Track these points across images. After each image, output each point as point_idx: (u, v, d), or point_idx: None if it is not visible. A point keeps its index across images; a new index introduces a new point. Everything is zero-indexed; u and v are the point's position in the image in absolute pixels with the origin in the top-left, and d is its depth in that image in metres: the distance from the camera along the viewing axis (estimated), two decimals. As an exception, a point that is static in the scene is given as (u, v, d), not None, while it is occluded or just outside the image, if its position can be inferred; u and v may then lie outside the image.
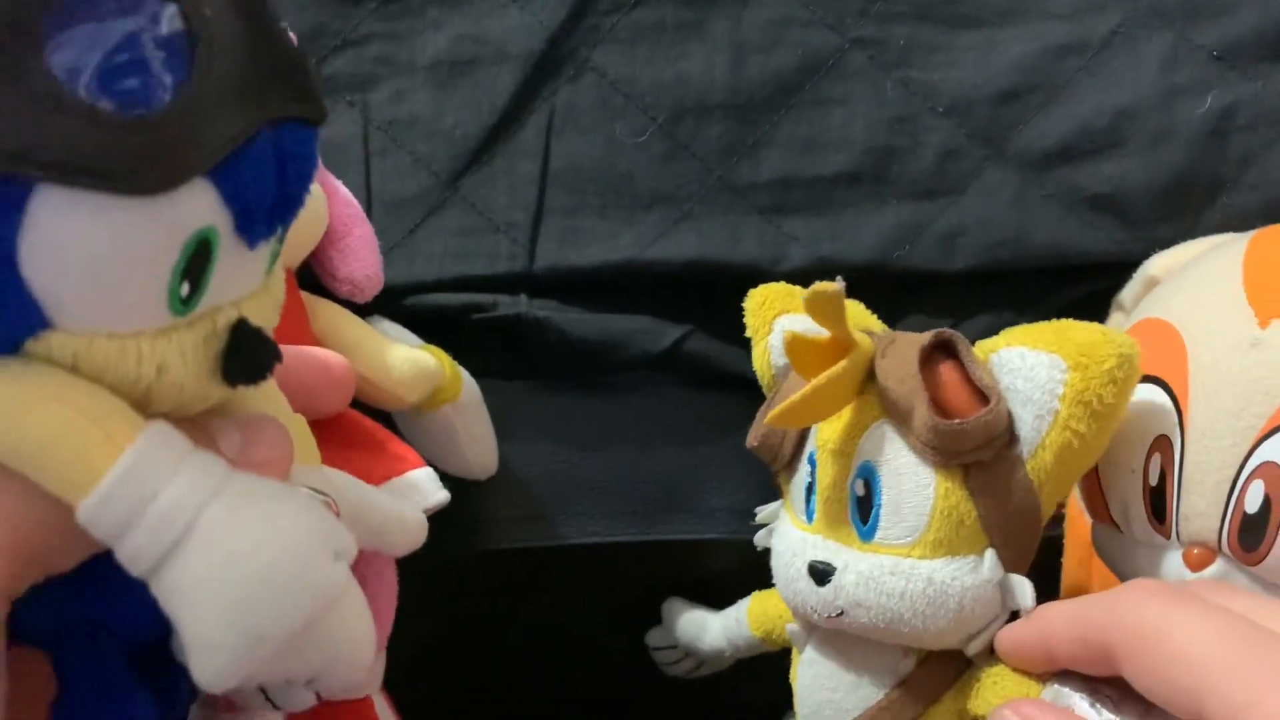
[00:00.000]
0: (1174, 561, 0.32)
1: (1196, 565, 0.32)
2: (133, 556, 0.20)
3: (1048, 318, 0.41)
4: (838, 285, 0.29)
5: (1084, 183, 0.43)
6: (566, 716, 0.51)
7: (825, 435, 0.34)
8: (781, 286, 0.38)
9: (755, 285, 0.42)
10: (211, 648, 0.20)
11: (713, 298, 0.43)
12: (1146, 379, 0.33)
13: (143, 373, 0.20)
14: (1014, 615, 0.32)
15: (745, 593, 0.42)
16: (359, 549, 0.24)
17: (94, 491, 0.19)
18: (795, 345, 0.32)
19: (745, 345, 0.44)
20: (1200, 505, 0.31)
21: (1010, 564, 0.32)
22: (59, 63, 0.17)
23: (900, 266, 0.43)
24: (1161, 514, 0.32)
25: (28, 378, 0.19)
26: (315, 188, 0.36)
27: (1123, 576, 0.34)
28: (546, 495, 0.44)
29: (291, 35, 0.21)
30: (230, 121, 0.19)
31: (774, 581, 0.36)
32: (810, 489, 0.34)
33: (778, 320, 0.37)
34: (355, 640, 0.23)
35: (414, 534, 0.31)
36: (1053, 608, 0.30)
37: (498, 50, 0.43)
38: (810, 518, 0.34)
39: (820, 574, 0.32)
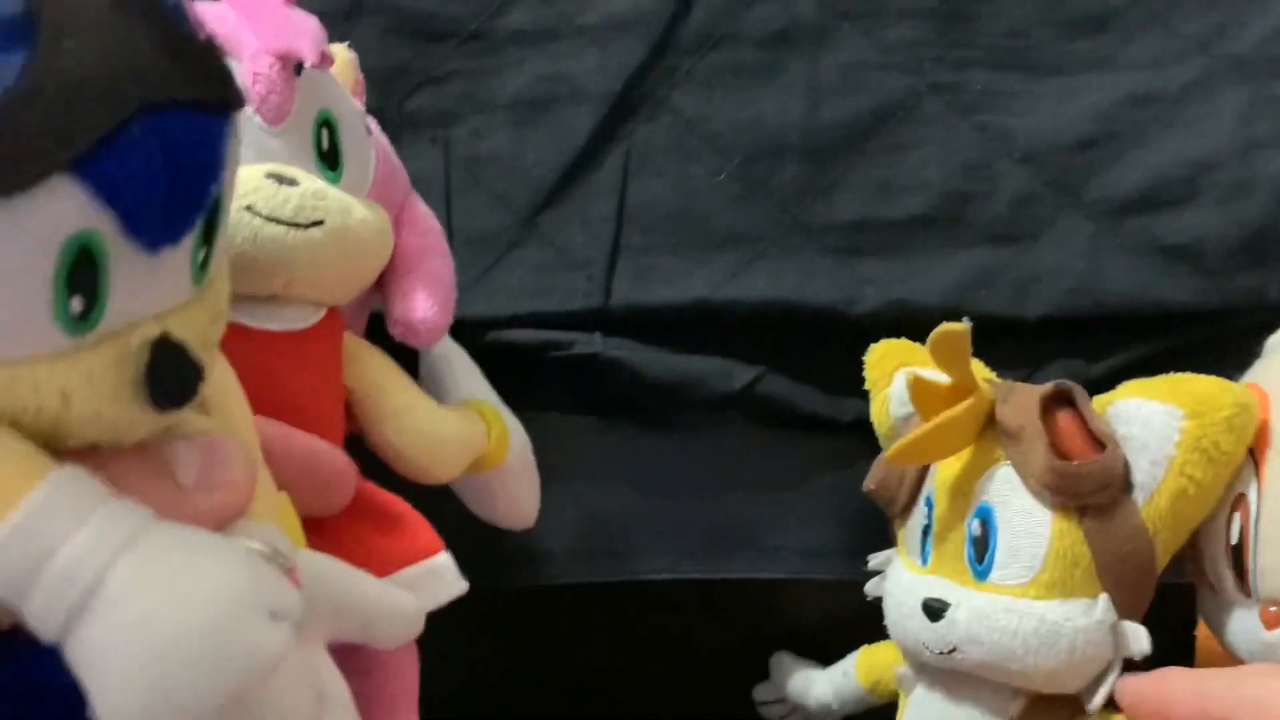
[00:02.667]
0: (1252, 619, 0.32)
1: (1272, 623, 0.32)
2: (38, 618, 0.17)
3: (1121, 368, 0.42)
4: (965, 325, 0.30)
5: (1160, 232, 0.43)
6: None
7: (944, 476, 0.34)
8: (902, 342, 0.39)
9: (829, 327, 0.43)
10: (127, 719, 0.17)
11: (785, 339, 0.44)
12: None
13: (44, 403, 0.18)
14: (1129, 663, 0.32)
15: (819, 640, 0.42)
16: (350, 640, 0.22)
17: None
18: (919, 387, 0.33)
19: (817, 386, 0.44)
20: (1274, 561, 0.31)
21: (1124, 610, 0.32)
22: None
23: (974, 311, 0.43)
24: (1241, 570, 0.32)
25: None
26: (378, 213, 0.34)
27: (1219, 638, 0.34)
28: (613, 532, 0.45)
29: (192, 17, 0.19)
30: (91, 110, 0.17)
31: (886, 623, 0.36)
32: (926, 531, 0.35)
33: (897, 373, 0.38)
34: (299, 714, 0.21)
35: (407, 627, 0.27)
36: (1176, 674, 0.30)
37: (577, 90, 0.44)
38: (925, 560, 0.35)
39: (934, 611, 0.33)
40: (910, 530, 0.36)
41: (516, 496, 0.40)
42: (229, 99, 0.19)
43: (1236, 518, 0.32)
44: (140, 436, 0.20)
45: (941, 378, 0.33)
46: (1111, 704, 0.33)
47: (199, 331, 0.20)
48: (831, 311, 0.43)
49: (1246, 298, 0.42)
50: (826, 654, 0.45)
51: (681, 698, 0.49)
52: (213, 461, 0.21)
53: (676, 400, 0.44)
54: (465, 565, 0.44)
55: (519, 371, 0.44)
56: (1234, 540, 0.32)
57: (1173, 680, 0.30)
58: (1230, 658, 0.35)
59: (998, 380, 0.36)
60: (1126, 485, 0.32)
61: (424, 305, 0.35)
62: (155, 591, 0.18)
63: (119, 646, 0.17)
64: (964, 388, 0.33)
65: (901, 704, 0.38)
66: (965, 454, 0.34)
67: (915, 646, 0.34)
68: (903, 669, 0.37)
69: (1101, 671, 0.33)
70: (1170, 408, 0.31)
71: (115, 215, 0.18)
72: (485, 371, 0.44)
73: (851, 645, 0.43)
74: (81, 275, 0.18)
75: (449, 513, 0.42)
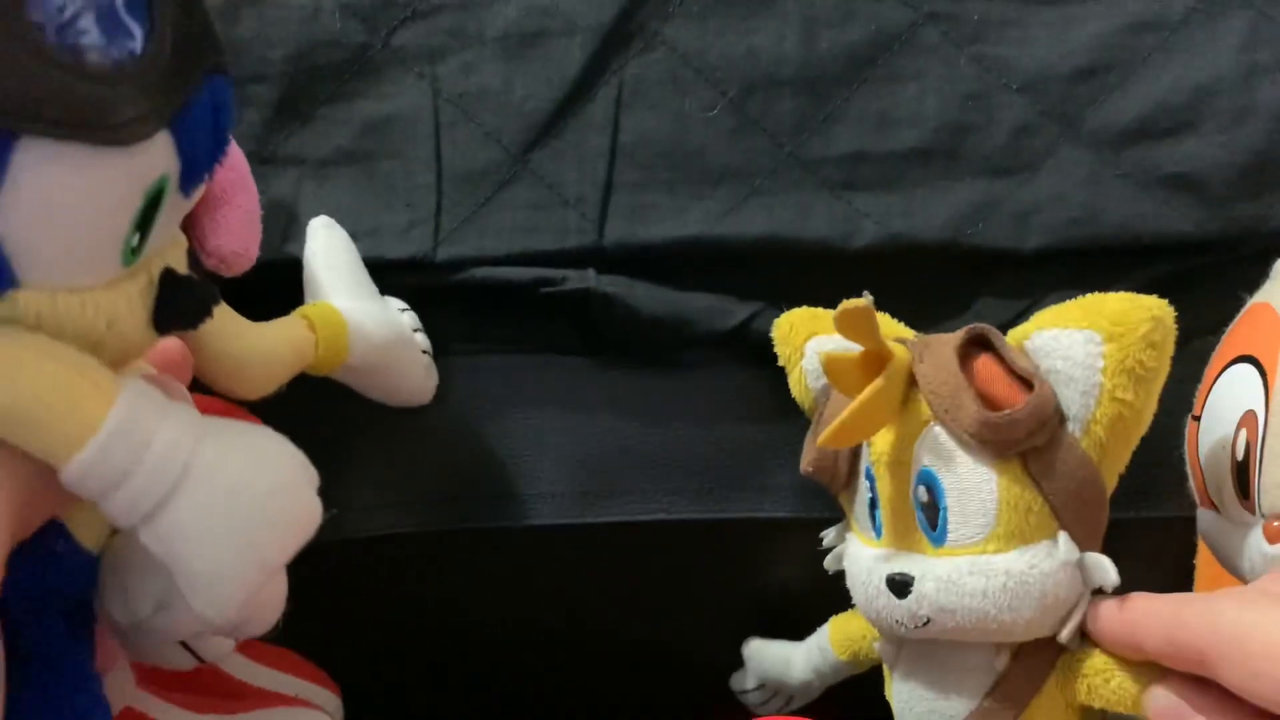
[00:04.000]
0: (1256, 536, 0.32)
1: (1275, 537, 0.31)
2: (128, 505, 0.20)
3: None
4: (866, 300, 0.29)
5: (1160, 161, 0.42)
6: (613, 694, 0.51)
7: (879, 448, 0.34)
8: (806, 311, 0.38)
9: (826, 263, 0.42)
10: (219, 579, 0.20)
11: (781, 276, 0.43)
12: (1242, 359, 0.33)
13: (96, 325, 0.20)
14: (1099, 592, 0.32)
15: (816, 584, 0.42)
16: None
17: (91, 442, 0.19)
18: (832, 364, 0.32)
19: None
20: None
21: (1084, 543, 0.32)
22: (40, 15, 0.17)
23: (972, 244, 0.42)
24: (1247, 489, 0.32)
25: (22, 338, 0.19)
26: None
27: (1222, 560, 0.34)
28: (609, 471, 0.44)
29: None
30: (183, 72, 0.20)
31: (854, 603, 0.35)
32: (873, 504, 0.34)
33: (808, 344, 0.37)
34: (282, 580, 0.24)
35: None
36: (1144, 600, 0.30)
37: (567, 22, 0.43)
38: (879, 533, 0.34)
39: (900, 586, 0.32)
40: (858, 505, 0.36)
41: (386, 390, 0.41)
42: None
43: (1243, 434, 0.32)
44: (133, 362, 0.23)
45: (853, 347, 0.32)
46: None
47: (183, 266, 0.23)
48: (828, 246, 0.42)
49: (1247, 226, 0.41)
50: (823, 600, 0.44)
51: (679, 641, 0.49)
52: (170, 394, 0.23)
53: (671, 337, 0.43)
54: (455, 507, 0.44)
55: (511, 310, 0.43)
56: (1240, 457, 0.32)
57: (1141, 606, 0.30)
58: (1232, 579, 0.35)
59: (910, 338, 0.35)
60: (1061, 420, 0.31)
61: (238, 237, 0.35)
62: (238, 466, 0.21)
63: (216, 516, 0.20)
64: (877, 355, 0.32)
65: (887, 676, 0.37)
66: (894, 423, 0.33)
67: (888, 624, 0.33)
68: (882, 644, 0.37)
69: (1074, 607, 0.32)
70: (1089, 334, 0.30)
71: (182, 162, 0.20)
72: (475, 311, 0.43)
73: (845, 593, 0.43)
74: (147, 214, 0.20)
75: (433, 451, 0.42)
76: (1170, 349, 0.30)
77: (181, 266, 0.23)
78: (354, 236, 0.41)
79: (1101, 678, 0.32)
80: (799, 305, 0.43)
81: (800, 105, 0.43)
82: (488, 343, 0.44)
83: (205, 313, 0.23)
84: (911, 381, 0.33)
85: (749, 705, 0.47)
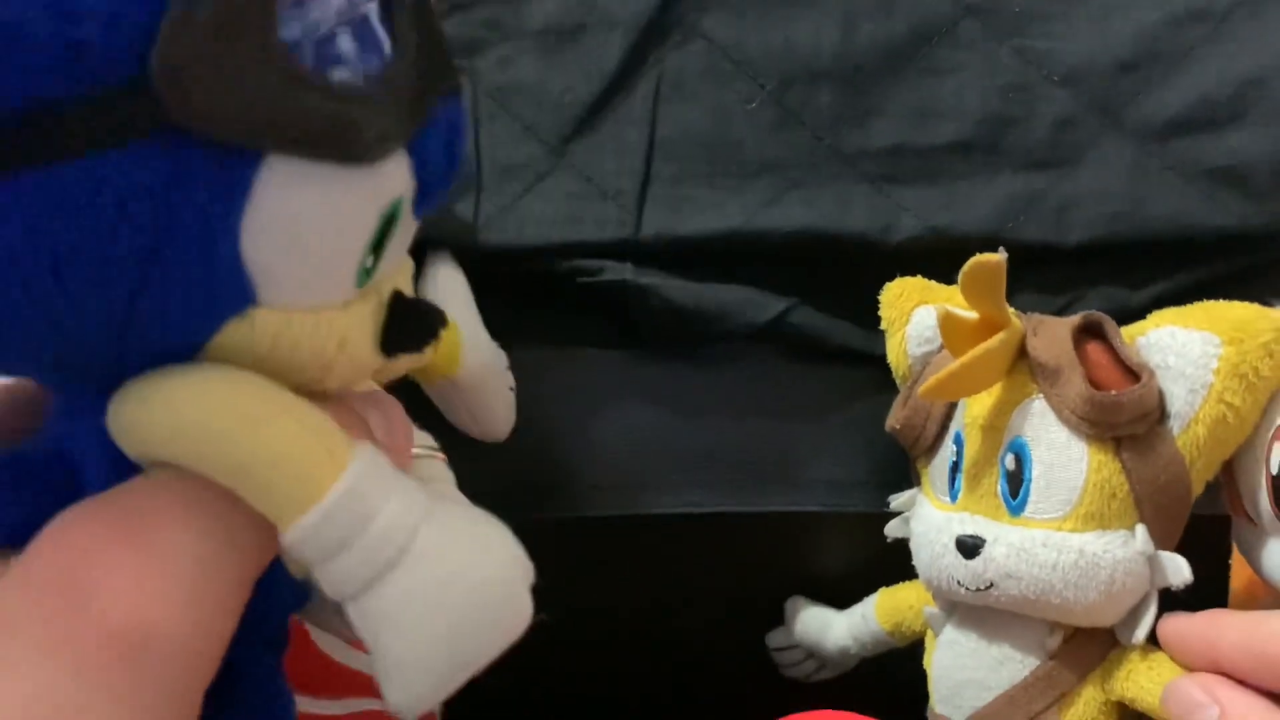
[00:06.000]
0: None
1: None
2: (341, 578, 0.19)
3: (1164, 296, 0.41)
4: (1000, 255, 0.29)
5: (1205, 155, 0.41)
6: (647, 683, 0.51)
7: (975, 411, 0.34)
8: (918, 280, 0.39)
9: (864, 257, 0.42)
10: (418, 672, 0.19)
11: (819, 270, 0.43)
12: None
13: (328, 346, 0.20)
14: (1165, 593, 0.32)
15: (847, 577, 0.42)
16: None
17: (315, 509, 0.18)
18: (948, 323, 0.32)
19: (849, 318, 0.43)
20: None
21: (1159, 540, 0.32)
22: (291, 35, 0.17)
23: (1013, 238, 0.42)
24: (1283, 503, 0.32)
25: (264, 390, 0.19)
26: None
27: (1256, 569, 0.34)
28: (642, 464, 0.44)
29: None
30: (422, 92, 0.19)
31: (915, 563, 0.36)
32: (955, 468, 0.34)
33: (915, 312, 0.37)
34: None
35: None
36: (1227, 616, 0.30)
37: (606, 16, 0.43)
38: (954, 497, 0.34)
39: (970, 548, 0.33)
40: (936, 468, 0.36)
41: (477, 412, 0.41)
42: (463, 87, 0.22)
43: (1277, 447, 0.32)
44: (361, 385, 0.22)
45: (969, 314, 0.32)
46: (1149, 638, 0.32)
47: (410, 289, 0.23)
48: (867, 240, 0.42)
49: (1294, 221, 0.41)
50: (854, 592, 0.44)
51: (709, 632, 0.49)
52: (393, 419, 0.23)
53: (708, 330, 0.43)
54: (491, 498, 0.44)
55: (547, 303, 0.43)
56: (1275, 471, 0.32)
57: (1223, 621, 0.30)
58: (1266, 588, 0.34)
59: (1023, 314, 0.35)
60: (1162, 415, 0.31)
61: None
62: (457, 554, 0.19)
63: (426, 605, 0.19)
64: (994, 322, 0.32)
65: (929, 645, 0.37)
66: (996, 389, 0.34)
67: (949, 585, 0.34)
68: (931, 609, 0.37)
69: (1139, 604, 0.32)
70: (1207, 335, 0.30)
71: (417, 184, 0.20)
72: (513, 303, 0.43)
73: (881, 582, 0.43)
74: (382, 235, 0.20)
75: (470, 445, 0.42)
76: None
77: (408, 289, 0.23)
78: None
79: (1146, 665, 0.32)
80: (836, 300, 0.43)
81: (839, 98, 0.43)
82: (524, 335, 0.44)
83: (433, 335, 0.23)
84: (1021, 354, 0.33)
85: (780, 664, 0.47)
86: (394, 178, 0.19)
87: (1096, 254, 0.42)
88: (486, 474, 0.44)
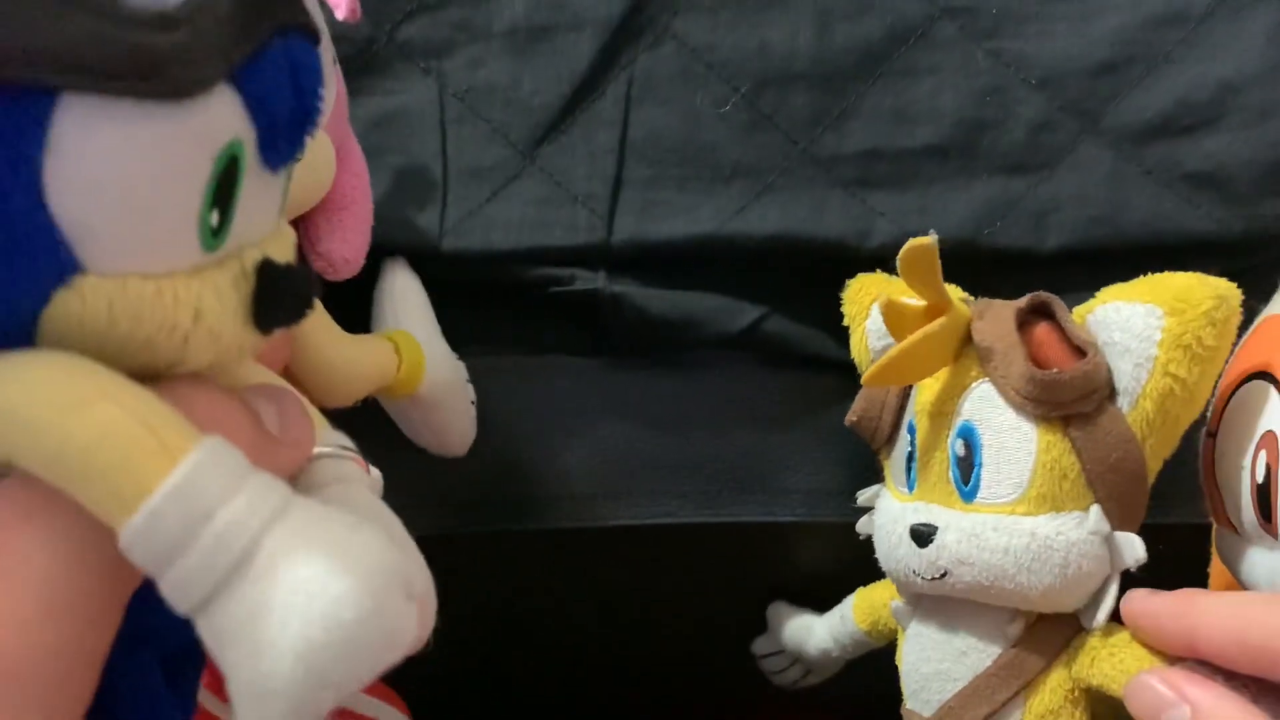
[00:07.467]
0: (1276, 560, 0.31)
1: (1300, 564, 0.30)
2: (180, 586, 0.17)
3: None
4: (931, 238, 0.29)
5: (1183, 159, 0.41)
6: (625, 696, 0.51)
7: (924, 399, 0.34)
8: (879, 275, 0.38)
9: (839, 263, 0.42)
10: (268, 695, 0.17)
11: (792, 276, 0.42)
12: (1259, 375, 0.32)
13: (179, 318, 0.18)
14: (1125, 575, 0.31)
15: (825, 586, 0.41)
16: None
17: (142, 507, 0.16)
18: (892, 310, 0.32)
19: (823, 326, 0.43)
20: None
21: (1118, 521, 0.31)
22: None
23: (990, 244, 0.41)
24: (1269, 512, 0.31)
25: (77, 371, 0.17)
26: (326, 143, 0.34)
27: (1240, 580, 0.33)
28: (617, 474, 0.44)
29: None
30: (246, 21, 0.18)
31: (877, 555, 0.35)
32: (910, 458, 0.34)
33: (874, 306, 0.37)
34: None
35: None
36: (1204, 597, 0.29)
37: (576, 16, 0.42)
38: (911, 487, 0.34)
39: (922, 536, 0.32)
40: (895, 460, 0.36)
41: (437, 428, 0.40)
42: (320, 31, 0.20)
43: (1263, 456, 0.31)
44: (236, 363, 0.20)
45: (917, 302, 0.32)
46: (1113, 618, 0.32)
47: (288, 258, 0.21)
48: (843, 245, 0.41)
49: (1272, 226, 0.40)
50: (838, 597, 0.44)
51: (689, 642, 0.48)
52: (288, 414, 0.21)
53: (681, 338, 0.42)
54: (465, 510, 0.43)
55: (519, 310, 0.42)
56: (1260, 480, 0.31)
57: (1201, 602, 0.29)
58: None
59: (973, 299, 0.35)
60: (1111, 392, 0.31)
61: (351, 244, 0.36)
62: (311, 562, 0.17)
63: (272, 618, 0.17)
64: (938, 308, 0.32)
65: (900, 640, 0.37)
66: (943, 375, 0.33)
67: (906, 575, 0.33)
68: (897, 603, 0.36)
69: (1100, 587, 0.32)
70: (1149, 307, 0.30)
71: (257, 127, 0.18)
72: (484, 311, 0.43)
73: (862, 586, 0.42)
74: (224, 187, 0.18)
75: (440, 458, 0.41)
76: (1232, 333, 0.30)
77: (283, 258, 0.20)
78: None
79: (1108, 650, 0.31)
80: (810, 306, 0.42)
81: (814, 101, 0.42)
82: (495, 344, 0.43)
83: (306, 304, 0.20)
84: (968, 339, 0.33)
85: (767, 671, 0.47)
86: (220, 117, 0.17)
87: (1074, 259, 0.41)
88: (458, 486, 0.43)
